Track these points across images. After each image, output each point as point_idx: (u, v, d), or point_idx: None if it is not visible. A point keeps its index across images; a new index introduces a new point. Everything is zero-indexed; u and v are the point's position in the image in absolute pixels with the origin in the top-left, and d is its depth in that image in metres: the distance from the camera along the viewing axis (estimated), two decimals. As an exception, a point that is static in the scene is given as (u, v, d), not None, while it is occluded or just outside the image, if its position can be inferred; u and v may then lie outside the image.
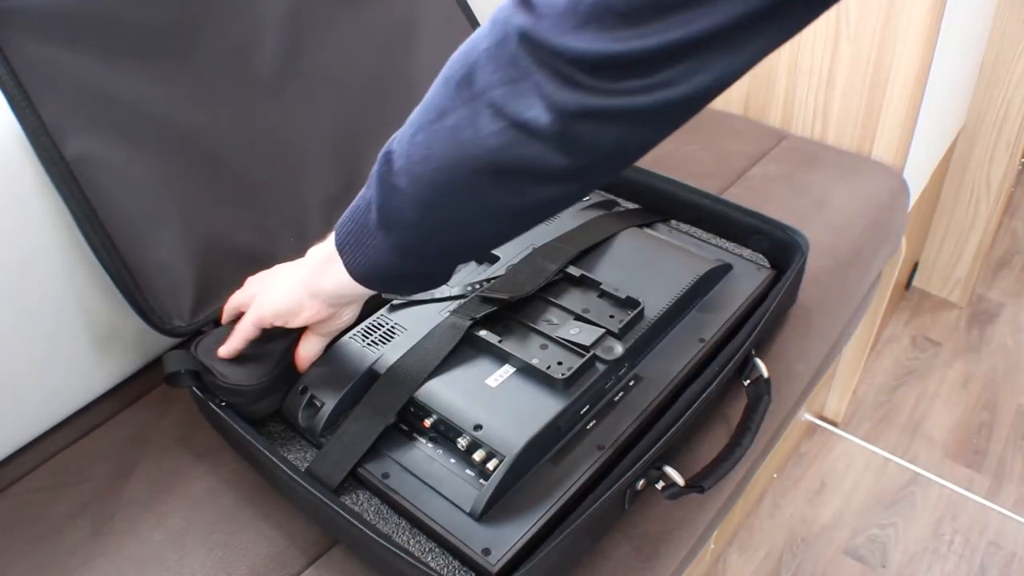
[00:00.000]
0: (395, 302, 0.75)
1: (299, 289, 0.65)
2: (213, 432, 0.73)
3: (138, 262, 0.71)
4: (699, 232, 0.89)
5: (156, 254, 0.72)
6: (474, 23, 0.96)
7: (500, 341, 0.68)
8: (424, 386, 0.66)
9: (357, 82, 0.87)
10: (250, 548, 0.65)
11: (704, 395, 0.67)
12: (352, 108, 0.86)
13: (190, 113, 0.75)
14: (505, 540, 0.58)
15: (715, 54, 0.43)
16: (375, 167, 0.56)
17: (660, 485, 0.64)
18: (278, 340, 0.70)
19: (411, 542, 0.61)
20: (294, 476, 0.61)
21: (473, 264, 0.82)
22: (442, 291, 0.75)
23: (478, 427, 0.62)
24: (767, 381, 0.73)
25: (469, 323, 0.70)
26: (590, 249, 0.80)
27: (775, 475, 1.39)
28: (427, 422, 0.65)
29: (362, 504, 0.64)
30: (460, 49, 0.51)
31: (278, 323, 0.67)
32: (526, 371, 0.66)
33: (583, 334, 0.68)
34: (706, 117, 1.23)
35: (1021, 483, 1.37)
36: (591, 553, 0.64)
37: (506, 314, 0.72)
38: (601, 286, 0.74)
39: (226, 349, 0.69)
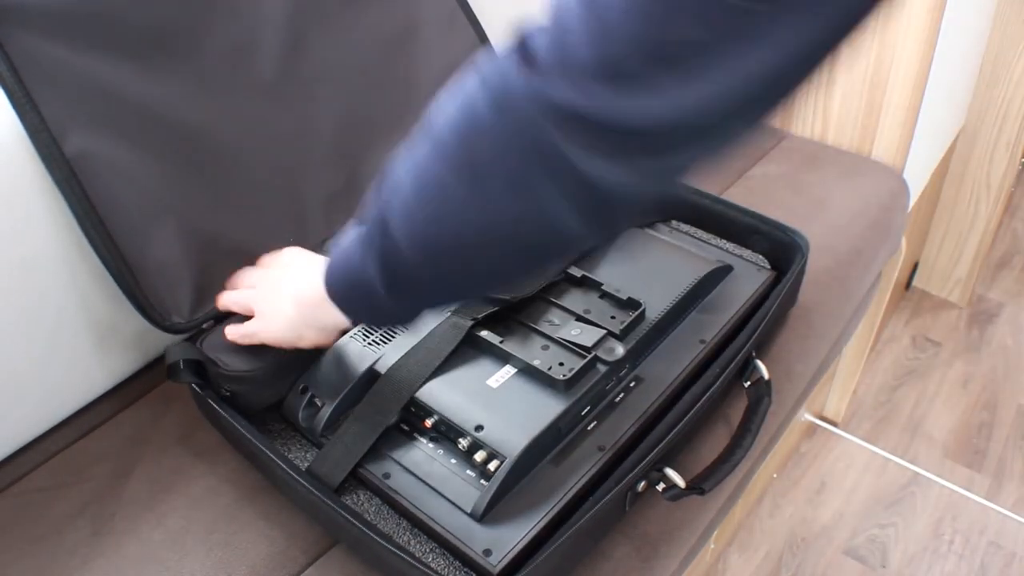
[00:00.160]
0: (396, 302, 0.74)
1: (297, 323, 0.66)
2: (213, 431, 0.73)
3: (138, 259, 0.71)
4: (699, 232, 0.89)
5: (156, 251, 0.72)
6: (474, 23, 0.96)
7: (501, 342, 0.68)
8: (425, 386, 0.66)
9: (357, 82, 0.87)
10: (250, 548, 0.65)
11: (705, 397, 0.67)
12: (352, 108, 0.86)
13: (191, 111, 0.75)
14: (506, 541, 0.58)
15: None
16: (366, 232, 0.53)
17: (661, 487, 0.64)
18: None
19: (412, 542, 0.61)
20: (295, 475, 0.61)
21: (474, 264, 0.82)
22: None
23: (479, 428, 0.62)
24: (767, 383, 0.73)
25: (470, 323, 0.70)
26: (591, 249, 0.80)
27: (775, 475, 1.39)
28: (428, 422, 0.65)
29: (362, 504, 0.64)
30: (449, 111, 0.48)
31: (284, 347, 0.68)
32: (527, 372, 0.66)
33: (584, 335, 0.68)
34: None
35: (1021, 483, 1.38)
36: (592, 554, 0.64)
37: (507, 314, 0.71)
38: (602, 287, 0.73)
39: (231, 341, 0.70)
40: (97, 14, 0.70)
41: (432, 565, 0.57)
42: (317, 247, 0.81)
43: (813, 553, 1.28)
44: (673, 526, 0.68)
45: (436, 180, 0.48)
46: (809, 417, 1.46)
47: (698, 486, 0.64)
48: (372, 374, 0.68)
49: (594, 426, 0.66)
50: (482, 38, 0.97)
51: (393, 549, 0.56)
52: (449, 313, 0.72)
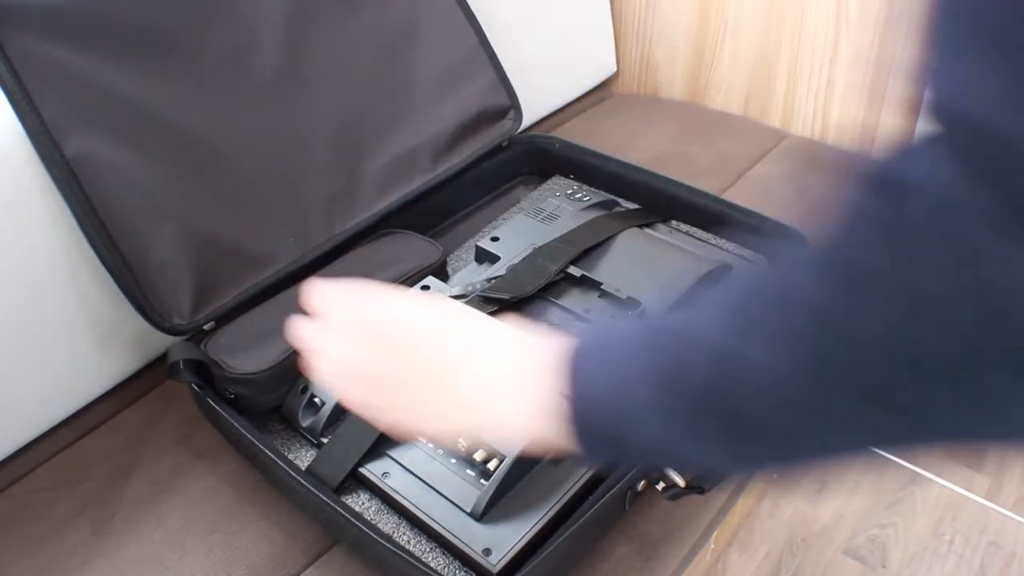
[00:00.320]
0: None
1: (465, 423, 0.45)
2: (213, 431, 0.73)
3: (138, 260, 0.71)
4: (699, 232, 0.89)
5: (156, 252, 0.72)
6: (474, 23, 0.96)
7: (501, 341, 0.68)
8: (425, 386, 0.66)
9: (357, 82, 0.87)
10: (250, 548, 0.65)
11: (705, 395, 0.66)
12: (352, 108, 0.86)
13: (191, 112, 0.75)
14: (506, 540, 0.58)
15: None
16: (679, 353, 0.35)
17: (661, 486, 0.64)
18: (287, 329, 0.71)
19: (412, 542, 0.61)
20: (295, 475, 0.61)
21: (474, 264, 0.82)
22: (443, 291, 0.75)
23: (479, 427, 0.62)
24: (767, 381, 0.73)
25: (470, 323, 0.70)
26: (591, 249, 0.80)
27: (775, 475, 1.39)
28: (428, 422, 0.65)
29: (363, 504, 0.64)
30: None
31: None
32: (527, 371, 0.66)
33: (584, 334, 0.68)
34: (706, 117, 1.24)
35: (1021, 483, 1.37)
36: (591, 553, 0.64)
37: (507, 314, 0.71)
38: (602, 286, 0.73)
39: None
40: (97, 15, 0.70)
41: (432, 565, 0.57)
42: (319, 248, 0.81)
43: (813, 553, 1.28)
44: (673, 526, 0.68)
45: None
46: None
47: (698, 485, 0.64)
48: (372, 374, 0.68)
49: (594, 426, 0.66)
50: (482, 38, 0.97)
51: (393, 549, 0.56)
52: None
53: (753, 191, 1.05)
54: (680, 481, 0.63)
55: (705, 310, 0.35)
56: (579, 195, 0.90)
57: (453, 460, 0.64)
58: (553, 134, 1.06)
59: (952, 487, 1.37)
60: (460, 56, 0.95)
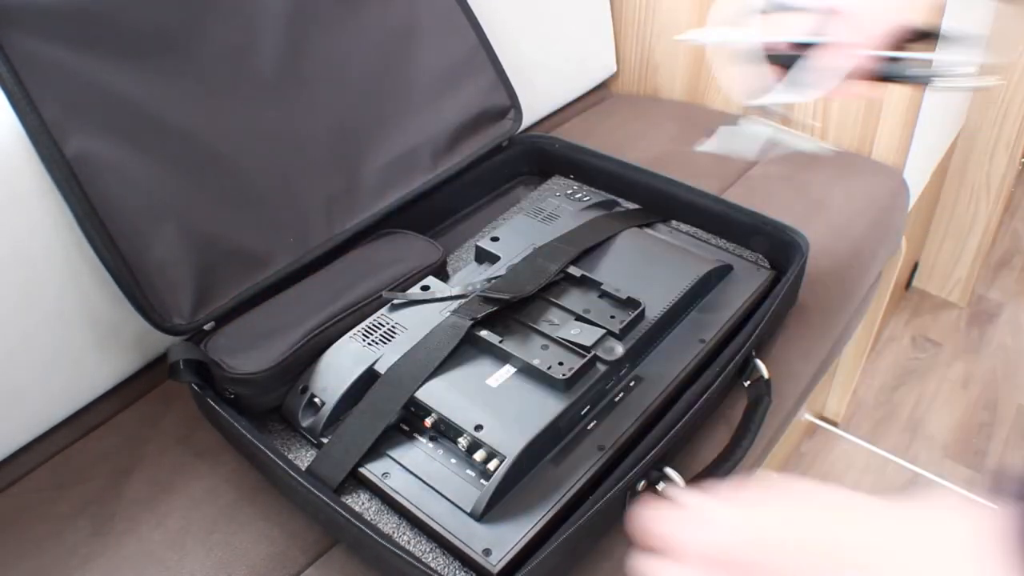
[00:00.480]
0: (395, 302, 0.75)
1: None
2: (213, 431, 0.73)
3: (138, 260, 0.71)
4: (699, 232, 0.89)
5: (156, 252, 0.72)
6: (474, 23, 0.96)
7: (501, 341, 0.68)
8: (425, 386, 0.66)
9: (357, 82, 0.87)
10: (250, 548, 0.65)
11: (705, 396, 0.67)
12: (352, 108, 0.86)
13: (191, 112, 0.75)
14: (506, 540, 0.58)
15: None
16: None
17: (661, 486, 0.64)
18: (287, 329, 0.71)
19: (412, 542, 0.61)
20: (295, 475, 0.61)
21: (474, 264, 0.82)
22: (443, 291, 0.75)
23: (479, 427, 0.62)
24: (767, 382, 0.73)
25: (470, 323, 0.70)
26: (591, 249, 0.80)
27: (775, 475, 1.39)
28: (428, 422, 0.65)
29: (363, 504, 0.64)
30: None
31: None
32: (527, 371, 0.66)
33: (584, 334, 0.68)
34: (706, 117, 1.23)
35: (1021, 483, 1.37)
36: (592, 553, 0.64)
37: (507, 314, 0.72)
38: (602, 286, 0.73)
39: None
40: (97, 15, 0.70)
41: (432, 565, 0.57)
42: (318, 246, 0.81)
43: (813, 553, 1.28)
44: (673, 526, 0.68)
45: None
46: (809, 417, 1.46)
47: (698, 485, 0.64)
48: (372, 374, 0.68)
49: (594, 425, 0.66)
50: (482, 38, 0.97)
51: (393, 549, 0.56)
52: (449, 313, 0.72)
53: (753, 191, 1.05)
54: (680, 481, 0.64)
55: None
56: (579, 195, 0.90)
57: (453, 460, 0.64)
58: (553, 134, 1.06)
59: (952, 487, 1.37)
60: (460, 56, 0.95)
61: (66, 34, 0.69)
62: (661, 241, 0.83)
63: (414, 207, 0.89)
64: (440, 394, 0.65)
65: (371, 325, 0.72)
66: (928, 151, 1.29)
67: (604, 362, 0.67)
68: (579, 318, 0.71)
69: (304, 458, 0.68)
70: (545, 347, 0.68)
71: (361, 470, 0.64)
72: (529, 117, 1.10)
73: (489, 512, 0.60)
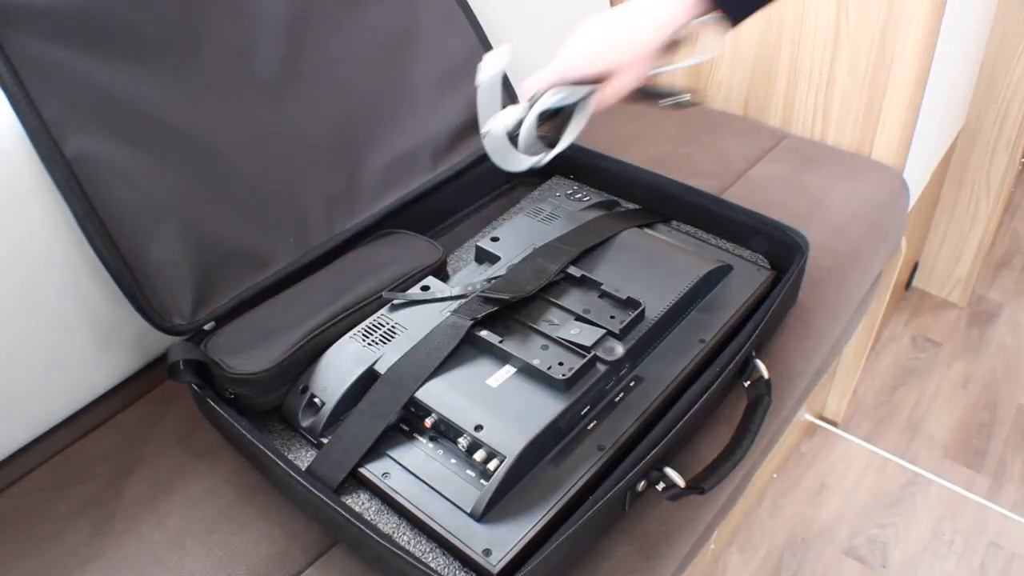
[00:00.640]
0: (395, 302, 0.75)
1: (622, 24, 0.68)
2: (213, 431, 0.73)
3: (138, 260, 0.71)
4: (699, 232, 0.89)
5: (156, 252, 0.72)
6: (474, 23, 0.96)
7: (501, 341, 0.68)
8: (425, 386, 0.66)
9: (357, 82, 0.87)
10: (250, 548, 0.65)
11: (705, 396, 0.67)
12: (352, 108, 0.86)
13: (191, 112, 0.75)
14: (506, 540, 0.58)
15: None
16: None
17: (661, 486, 0.64)
18: (287, 329, 0.71)
19: (411, 542, 0.61)
20: (295, 475, 0.61)
21: (474, 264, 0.82)
22: (443, 291, 0.75)
23: (479, 427, 0.62)
24: (767, 382, 0.73)
25: (470, 323, 0.70)
26: (591, 250, 0.80)
27: (775, 475, 1.39)
28: (428, 422, 0.65)
29: (363, 504, 0.64)
30: None
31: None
32: (527, 371, 0.66)
33: (584, 335, 0.68)
34: (706, 117, 1.24)
35: (1021, 483, 1.37)
36: (592, 553, 0.64)
37: (507, 314, 0.72)
38: (602, 287, 0.73)
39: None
40: (97, 16, 0.70)
41: (432, 565, 0.57)
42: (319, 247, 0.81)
43: (813, 553, 1.28)
44: (673, 526, 0.68)
45: None
46: (809, 417, 1.46)
47: (698, 485, 0.64)
48: (372, 374, 0.68)
49: (594, 425, 0.66)
50: (482, 39, 0.97)
51: (393, 549, 0.56)
52: (449, 313, 0.72)
53: (753, 191, 1.05)
54: (680, 481, 0.64)
55: None
56: (579, 195, 0.90)
57: (453, 460, 0.64)
58: (553, 134, 1.06)
59: (952, 487, 1.37)
60: (460, 56, 0.95)
61: (66, 34, 0.69)
62: (661, 241, 0.83)
63: (414, 207, 0.89)
64: (440, 394, 0.65)
65: (371, 325, 0.72)
66: (928, 151, 1.29)
67: (604, 362, 0.67)
68: (579, 318, 0.71)
69: (304, 458, 0.68)
70: (545, 347, 0.68)
71: (361, 470, 0.64)
72: (529, 117, 1.09)
73: (489, 512, 0.60)
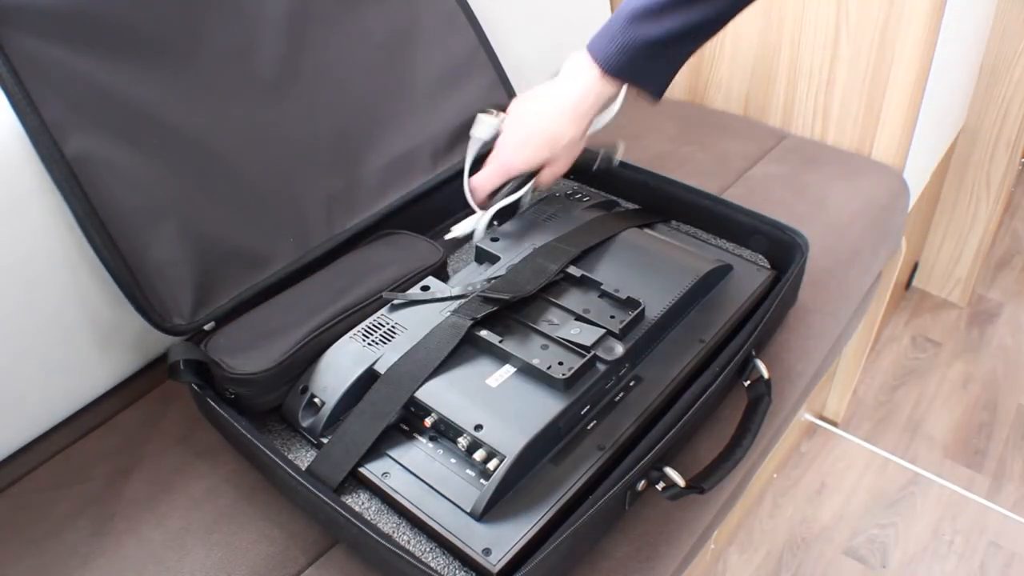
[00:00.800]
0: (395, 302, 0.75)
1: (556, 123, 0.80)
2: (213, 431, 0.73)
3: (138, 260, 0.71)
4: (699, 232, 0.89)
5: (157, 253, 0.72)
6: (474, 23, 0.96)
7: (501, 341, 0.68)
8: (424, 386, 0.66)
9: (357, 82, 0.87)
10: (250, 548, 0.65)
11: (704, 396, 0.67)
12: (352, 108, 0.86)
13: (191, 112, 0.75)
14: (506, 540, 0.58)
15: None
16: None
17: (660, 486, 0.64)
18: (287, 330, 0.71)
19: (411, 542, 0.61)
20: (294, 475, 0.61)
21: (474, 264, 0.82)
22: (443, 291, 0.75)
23: (479, 427, 0.62)
24: (767, 381, 0.73)
25: (470, 323, 0.70)
26: (591, 250, 0.80)
27: (775, 475, 1.39)
28: (427, 422, 0.65)
29: (363, 504, 0.64)
30: None
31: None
32: (527, 371, 0.66)
33: (584, 334, 0.68)
34: (706, 117, 1.24)
35: (1021, 483, 1.37)
36: (592, 553, 0.64)
37: (507, 314, 0.72)
38: (602, 286, 0.74)
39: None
40: (97, 16, 0.70)
41: (432, 565, 0.57)
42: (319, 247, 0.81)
43: (813, 553, 1.28)
44: (673, 526, 0.68)
45: None
46: (809, 417, 1.46)
47: (698, 485, 0.64)
48: (372, 374, 0.68)
49: (594, 425, 0.66)
50: (482, 38, 0.97)
51: (393, 549, 0.56)
52: (449, 313, 0.72)
53: (753, 191, 1.05)
54: (680, 481, 0.64)
55: None
56: (579, 195, 0.90)
57: (453, 460, 0.64)
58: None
59: (952, 487, 1.37)
60: (460, 56, 0.95)
61: (66, 34, 0.69)
62: (661, 241, 0.83)
63: (414, 207, 0.89)
64: (440, 394, 0.65)
65: (371, 325, 0.72)
66: (928, 151, 1.29)
67: (604, 362, 0.67)
68: (579, 318, 0.71)
69: (304, 458, 0.68)
70: (545, 347, 0.68)
71: (361, 470, 0.64)
72: (529, 117, 1.09)
73: (489, 512, 0.60)
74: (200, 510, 0.68)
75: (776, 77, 1.20)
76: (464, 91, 0.94)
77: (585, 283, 0.75)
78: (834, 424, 1.48)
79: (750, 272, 0.81)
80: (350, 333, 0.72)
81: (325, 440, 0.67)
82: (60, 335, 0.74)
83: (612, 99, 0.79)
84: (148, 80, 0.73)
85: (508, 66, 0.99)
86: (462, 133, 0.93)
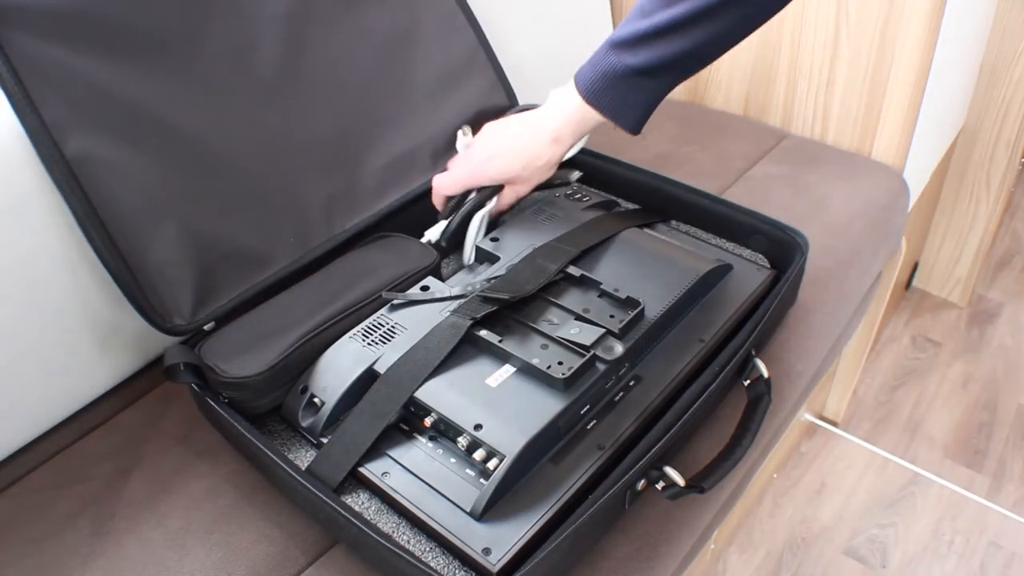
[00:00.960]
0: (395, 302, 0.75)
1: (528, 147, 0.83)
2: (213, 431, 0.73)
3: (138, 261, 0.71)
4: (699, 232, 0.89)
5: (156, 253, 0.72)
6: (474, 23, 0.97)
7: (500, 341, 0.68)
8: (424, 385, 0.66)
9: (357, 82, 0.87)
10: (250, 548, 0.65)
11: (704, 395, 0.67)
12: (352, 108, 0.86)
13: (191, 112, 0.75)
14: (506, 540, 0.58)
15: None
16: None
17: (660, 485, 0.64)
18: (279, 334, 0.71)
19: (411, 542, 0.61)
20: (294, 475, 0.61)
21: (473, 264, 0.82)
22: (442, 291, 0.75)
23: (478, 426, 0.62)
24: (767, 381, 0.73)
25: (469, 323, 0.70)
26: (590, 249, 0.80)
27: (775, 475, 1.39)
28: (427, 421, 0.65)
29: (362, 503, 0.64)
30: None
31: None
32: (526, 371, 0.66)
33: (583, 334, 0.68)
34: (706, 117, 1.24)
35: (1021, 483, 1.37)
36: (591, 553, 0.64)
37: (506, 314, 0.72)
38: (601, 286, 0.74)
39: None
40: (97, 16, 0.70)
41: (432, 564, 0.57)
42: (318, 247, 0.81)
43: (813, 553, 1.28)
44: (673, 526, 0.68)
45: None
46: (809, 417, 1.46)
47: (698, 484, 0.64)
48: (371, 374, 0.68)
49: (593, 425, 0.66)
50: (482, 38, 0.97)
51: (393, 548, 0.56)
52: (448, 313, 0.72)
53: (753, 191, 1.05)
54: (680, 480, 0.64)
55: None
56: (579, 195, 0.90)
57: (453, 460, 0.64)
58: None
59: (952, 487, 1.37)
60: (460, 56, 0.95)
61: (66, 34, 0.69)
62: (661, 241, 0.83)
63: (414, 207, 0.89)
64: (440, 394, 0.65)
65: (371, 325, 0.72)
66: (928, 151, 1.29)
67: (604, 361, 0.67)
68: (579, 318, 0.71)
69: (304, 458, 0.68)
70: (545, 346, 0.68)
71: (361, 470, 0.64)
72: (529, 117, 1.09)
73: (489, 511, 0.60)
74: (200, 510, 0.68)
75: (776, 77, 1.20)
76: (464, 91, 0.94)
77: (585, 283, 0.75)
78: (834, 424, 1.48)
79: (750, 272, 0.81)
80: (350, 333, 0.72)
81: (325, 440, 0.67)
82: (60, 335, 0.74)
83: (593, 126, 0.79)
84: (148, 80, 0.73)
85: (508, 66, 0.99)
86: (462, 133, 0.93)
